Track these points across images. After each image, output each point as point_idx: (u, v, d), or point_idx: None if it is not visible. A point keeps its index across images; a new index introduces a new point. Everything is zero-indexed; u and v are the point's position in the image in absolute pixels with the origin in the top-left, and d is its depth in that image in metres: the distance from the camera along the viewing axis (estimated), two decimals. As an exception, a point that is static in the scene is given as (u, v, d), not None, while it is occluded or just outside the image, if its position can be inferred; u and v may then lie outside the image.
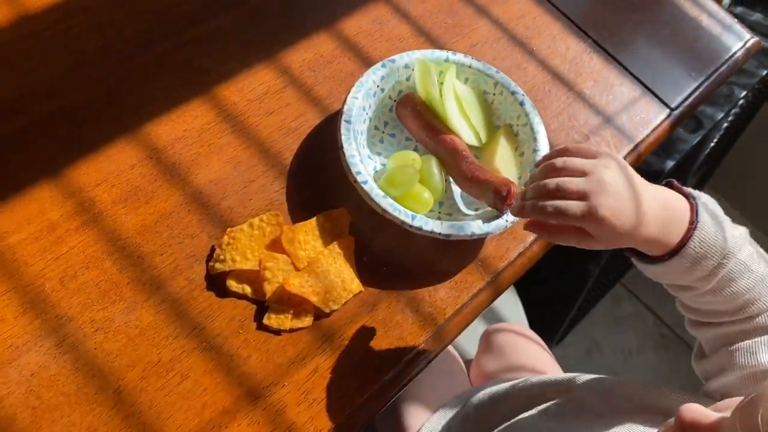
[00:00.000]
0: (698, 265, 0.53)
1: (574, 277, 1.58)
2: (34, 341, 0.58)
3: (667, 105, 0.82)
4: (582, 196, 0.50)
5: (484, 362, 1.00)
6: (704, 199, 0.54)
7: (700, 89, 0.85)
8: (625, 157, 0.78)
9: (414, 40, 0.80)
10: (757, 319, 0.55)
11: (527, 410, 0.66)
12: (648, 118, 0.81)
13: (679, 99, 0.83)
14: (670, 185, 0.55)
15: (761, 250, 0.57)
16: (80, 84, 0.70)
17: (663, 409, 0.56)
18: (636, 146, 0.79)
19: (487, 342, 1.04)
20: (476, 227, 0.64)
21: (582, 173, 0.52)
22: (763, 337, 0.54)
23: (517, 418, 0.66)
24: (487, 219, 0.66)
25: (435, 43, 0.80)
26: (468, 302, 0.66)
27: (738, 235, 0.54)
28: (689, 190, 0.55)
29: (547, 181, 0.52)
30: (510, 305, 1.21)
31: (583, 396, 0.63)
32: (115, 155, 0.67)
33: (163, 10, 0.76)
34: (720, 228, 0.53)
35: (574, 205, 0.50)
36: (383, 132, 0.73)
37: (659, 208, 0.52)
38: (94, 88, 0.70)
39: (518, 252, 0.70)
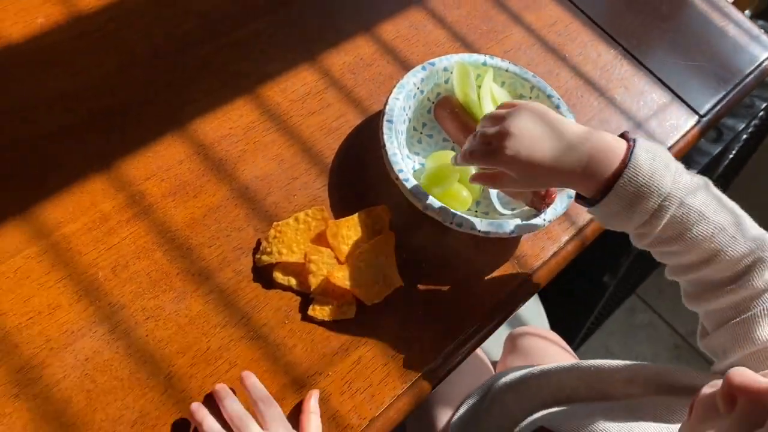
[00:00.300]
0: (636, 206, 0.53)
1: (592, 289, 1.60)
2: (89, 327, 0.60)
3: (696, 112, 0.84)
4: (496, 139, 0.57)
5: (510, 363, 1.01)
6: (648, 145, 0.54)
7: (728, 97, 0.86)
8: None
9: (450, 44, 0.82)
10: (742, 290, 0.54)
11: (552, 395, 0.67)
12: (678, 124, 0.83)
13: (708, 106, 0.85)
14: (622, 135, 0.56)
15: (729, 202, 0.56)
16: (130, 83, 0.72)
17: (685, 387, 0.57)
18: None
19: (512, 344, 1.05)
20: (514, 225, 0.66)
21: (501, 121, 0.58)
22: (752, 312, 0.53)
23: (543, 403, 0.67)
24: (524, 218, 0.67)
25: (470, 47, 0.82)
26: (505, 298, 0.68)
27: (689, 180, 0.54)
28: (635, 136, 0.55)
29: (475, 132, 0.61)
30: (533, 311, 1.22)
31: (607, 380, 0.64)
32: (163, 151, 0.69)
33: (208, 13, 0.78)
34: (662, 171, 0.52)
35: (480, 148, 0.59)
36: (421, 132, 0.75)
37: (587, 147, 0.54)
38: (143, 87, 0.72)
39: (553, 251, 0.71)
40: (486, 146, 0.59)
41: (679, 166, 0.55)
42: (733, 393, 0.36)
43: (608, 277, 1.59)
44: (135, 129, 0.70)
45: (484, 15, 0.85)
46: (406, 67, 0.79)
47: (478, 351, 1.04)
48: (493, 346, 1.14)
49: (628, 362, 0.64)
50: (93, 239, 0.64)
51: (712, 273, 0.56)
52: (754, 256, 0.54)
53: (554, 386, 0.69)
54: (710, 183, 0.56)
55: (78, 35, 0.74)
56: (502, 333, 1.12)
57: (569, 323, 1.66)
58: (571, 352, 1.03)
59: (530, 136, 0.56)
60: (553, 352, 1.03)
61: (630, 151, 0.53)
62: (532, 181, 0.59)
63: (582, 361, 0.70)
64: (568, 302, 1.59)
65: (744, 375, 0.36)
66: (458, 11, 0.85)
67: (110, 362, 0.59)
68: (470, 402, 0.81)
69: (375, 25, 0.82)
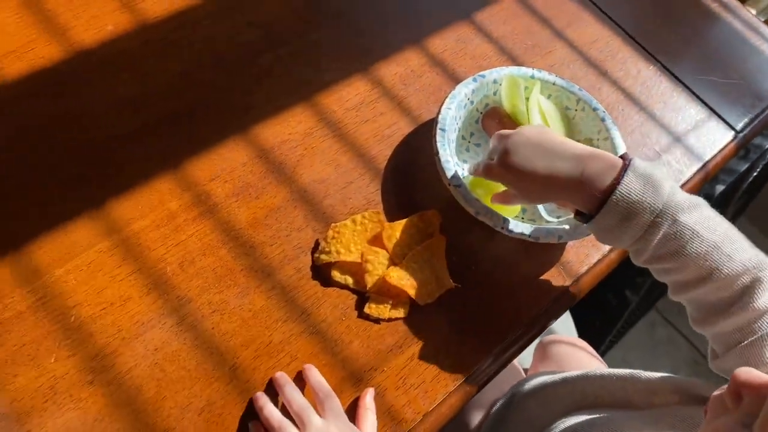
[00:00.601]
0: (629, 221, 0.55)
1: (614, 304, 1.62)
2: (158, 319, 0.63)
3: (732, 128, 0.87)
4: (497, 155, 0.62)
5: (540, 370, 1.03)
6: (644, 164, 0.55)
7: (764, 114, 0.89)
8: (693, 175, 0.82)
9: (496, 58, 0.85)
10: (744, 312, 0.55)
11: (576, 402, 0.69)
12: (715, 140, 0.86)
13: (744, 123, 0.88)
14: (622, 157, 0.58)
15: (724, 222, 0.57)
16: (195, 88, 0.76)
17: (707, 399, 0.59)
18: (704, 165, 0.83)
19: (542, 352, 1.07)
20: (562, 232, 0.68)
21: (505, 139, 0.62)
22: (758, 334, 0.54)
23: (566, 410, 0.69)
24: (571, 225, 0.70)
25: (515, 61, 0.85)
26: (552, 303, 0.71)
27: (683, 199, 0.55)
28: (631, 156, 0.57)
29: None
30: (562, 320, 1.24)
31: (631, 390, 0.66)
32: (227, 154, 0.72)
33: (269, 24, 0.82)
34: (655, 188, 0.54)
35: (483, 162, 0.65)
36: (469, 141, 0.78)
37: (583, 163, 0.57)
38: (208, 93, 0.76)
39: (597, 259, 0.74)
40: (488, 161, 0.64)
41: (675, 186, 0.56)
42: (738, 390, 0.40)
43: (630, 293, 1.61)
44: (200, 132, 0.73)
45: (529, 31, 0.88)
46: (454, 78, 0.82)
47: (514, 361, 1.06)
48: (525, 353, 1.17)
49: (652, 373, 0.66)
50: (161, 236, 0.67)
51: (710, 292, 0.57)
52: (751, 276, 0.55)
53: (578, 394, 0.71)
54: (706, 203, 0.57)
55: (144, 42, 0.78)
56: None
57: (592, 336, 1.68)
58: (600, 359, 1.05)
59: (526, 152, 0.60)
60: (582, 359, 1.05)
61: (624, 170, 0.55)
62: (529, 195, 0.62)
63: (606, 369, 0.72)
64: (591, 316, 1.61)
65: (749, 372, 0.39)
66: (504, 27, 0.88)
67: (178, 353, 0.62)
68: (497, 407, 0.84)
69: (424, 38, 0.85)
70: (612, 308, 1.62)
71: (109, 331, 0.62)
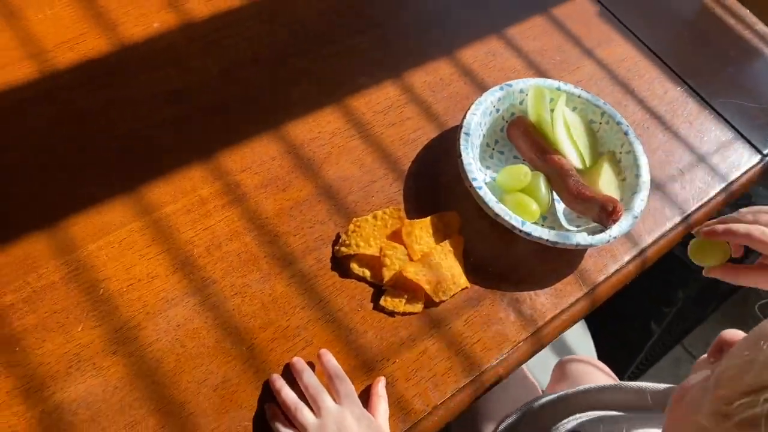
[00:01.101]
0: None
1: (639, 334, 1.60)
2: (182, 297, 0.65)
3: (759, 151, 0.87)
4: None
5: (558, 389, 1.03)
6: None
7: (791, 140, 0.89)
8: (716, 195, 0.83)
9: (524, 72, 0.87)
10: None
11: (591, 406, 0.68)
12: (740, 162, 0.86)
13: (771, 147, 0.88)
14: None
15: None
16: (233, 84, 0.79)
17: None
18: (728, 185, 0.83)
19: (561, 371, 1.07)
20: (581, 238, 0.69)
21: None
22: None
23: (581, 417, 0.69)
24: (590, 233, 0.71)
25: (543, 76, 0.87)
26: (567, 309, 0.71)
27: None
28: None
29: (744, 214, 0.62)
30: (582, 342, 1.24)
31: (646, 397, 0.65)
32: (258, 147, 0.76)
33: (306, 28, 0.86)
34: None
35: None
36: (493, 149, 0.80)
37: None
38: (244, 89, 0.79)
39: (614, 269, 0.74)
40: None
41: None
42: (721, 345, 0.42)
43: (655, 324, 1.59)
44: (234, 126, 0.77)
45: (558, 48, 0.90)
46: (481, 88, 0.84)
47: (529, 376, 1.06)
48: (541, 374, 1.16)
49: (669, 384, 0.66)
50: (191, 220, 0.70)
51: None
52: None
53: (591, 401, 0.71)
54: None
55: (188, 39, 0.82)
56: (551, 361, 1.14)
57: (615, 366, 1.66)
58: (618, 380, 1.04)
59: None
60: (600, 379, 1.04)
61: None
62: None
63: (623, 382, 0.72)
64: (615, 345, 1.59)
65: (735, 333, 0.42)
66: (534, 42, 0.90)
67: (199, 330, 0.64)
68: (509, 420, 0.84)
69: (455, 49, 0.88)
70: (634, 338, 1.60)
71: (135, 306, 0.64)
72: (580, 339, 1.25)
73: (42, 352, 0.61)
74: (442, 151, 0.79)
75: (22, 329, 0.62)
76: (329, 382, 0.61)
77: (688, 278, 1.42)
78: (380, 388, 0.63)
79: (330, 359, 0.62)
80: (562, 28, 0.93)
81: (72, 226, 0.67)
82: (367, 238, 0.70)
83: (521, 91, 0.78)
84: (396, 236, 0.71)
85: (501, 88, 0.77)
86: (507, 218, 0.69)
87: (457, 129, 0.75)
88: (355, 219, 0.71)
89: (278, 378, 0.61)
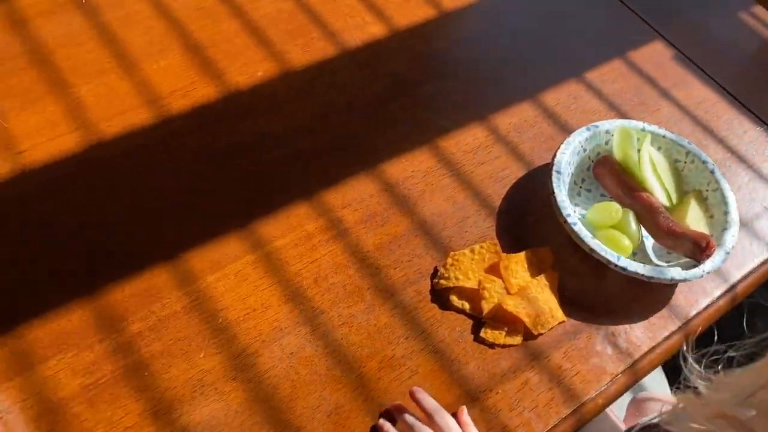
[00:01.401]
0: None
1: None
2: (294, 326, 0.69)
3: (842, 189, 0.88)
4: None
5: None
6: None
7: None
8: (803, 232, 0.84)
9: (605, 113, 0.90)
10: None
11: None
12: (824, 199, 0.87)
13: None
14: None
15: None
16: (331, 128, 0.85)
17: None
18: (814, 223, 0.85)
19: (636, 408, 1.06)
20: (676, 273, 0.71)
21: None
22: None
23: None
24: (681, 269, 0.73)
25: (624, 117, 0.91)
26: (661, 343, 0.73)
27: None
28: None
29: None
30: (656, 379, 1.23)
31: None
32: (357, 185, 0.80)
33: (396, 75, 0.91)
34: None
35: None
36: (581, 187, 0.83)
37: None
38: (341, 133, 0.85)
39: (706, 303, 0.76)
40: None
41: None
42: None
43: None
44: (334, 166, 0.81)
45: (637, 90, 0.94)
46: (566, 129, 0.88)
47: (610, 414, 1.06)
48: (618, 410, 1.16)
49: None
50: (298, 253, 0.74)
51: None
52: None
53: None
54: None
55: (289, 87, 0.88)
56: (625, 398, 1.13)
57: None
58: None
59: None
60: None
61: None
62: None
63: None
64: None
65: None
66: (613, 85, 0.94)
67: (311, 358, 0.67)
68: None
69: (537, 92, 0.92)
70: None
71: (251, 334, 0.68)
72: (652, 375, 1.24)
73: (168, 377, 0.65)
74: (531, 189, 0.82)
75: (149, 356, 0.66)
76: (428, 418, 0.63)
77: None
78: (466, 416, 0.65)
79: (424, 396, 0.65)
80: (639, 71, 0.96)
81: (191, 260, 0.72)
82: (466, 271, 0.73)
83: (607, 132, 0.81)
84: (493, 270, 0.74)
85: (588, 129, 0.81)
86: (603, 253, 0.71)
87: (543, 168, 0.78)
88: (452, 253, 0.74)
89: (384, 422, 0.64)
